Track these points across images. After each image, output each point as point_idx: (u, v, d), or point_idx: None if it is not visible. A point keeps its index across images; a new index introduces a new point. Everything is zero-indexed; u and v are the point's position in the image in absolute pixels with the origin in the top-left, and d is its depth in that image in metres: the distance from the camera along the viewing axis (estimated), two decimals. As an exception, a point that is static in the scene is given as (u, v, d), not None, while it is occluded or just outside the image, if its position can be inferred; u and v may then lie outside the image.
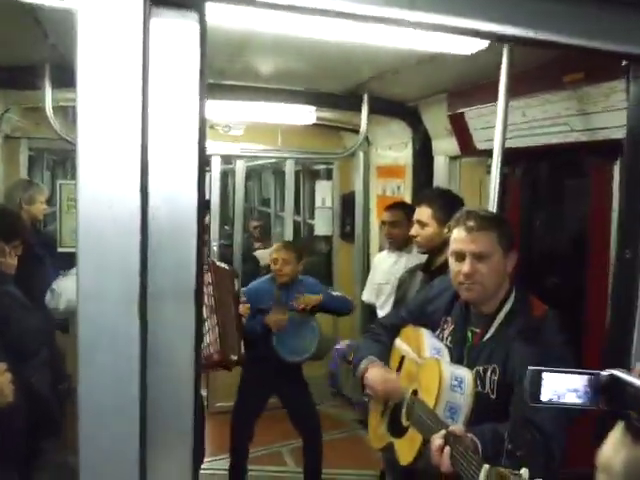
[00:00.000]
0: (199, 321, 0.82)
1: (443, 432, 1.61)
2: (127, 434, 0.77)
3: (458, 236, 1.91)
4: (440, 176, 3.83)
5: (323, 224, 5.66)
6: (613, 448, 0.79)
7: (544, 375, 0.84)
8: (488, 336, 1.89)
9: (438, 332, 2.03)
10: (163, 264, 0.80)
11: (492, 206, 2.55)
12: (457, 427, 1.65)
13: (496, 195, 2.54)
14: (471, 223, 1.89)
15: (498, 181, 2.53)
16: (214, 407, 5.21)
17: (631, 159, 1.29)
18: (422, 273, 2.89)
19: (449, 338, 1.98)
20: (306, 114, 4.13)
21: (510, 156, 2.95)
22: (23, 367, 2.36)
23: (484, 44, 2.24)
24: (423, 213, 2.81)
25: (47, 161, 5.99)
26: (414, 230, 2.86)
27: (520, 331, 1.80)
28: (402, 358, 2.08)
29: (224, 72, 3.28)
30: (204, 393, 5.25)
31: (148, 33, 0.76)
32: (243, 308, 3.50)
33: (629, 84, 1.40)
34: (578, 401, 0.84)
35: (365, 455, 3.49)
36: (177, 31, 0.80)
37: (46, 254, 3.84)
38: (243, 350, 3.35)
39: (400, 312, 2.29)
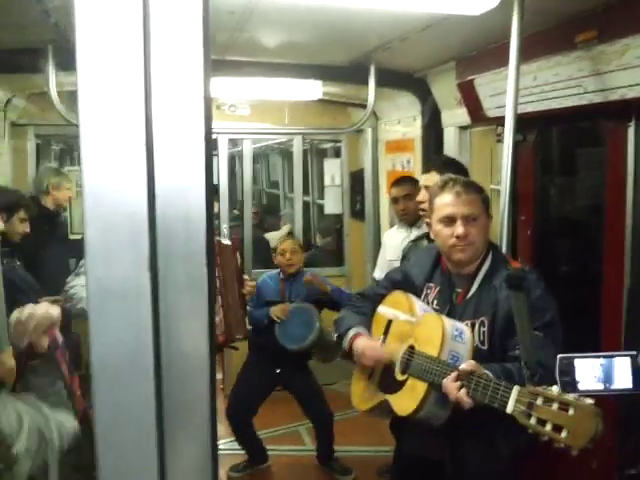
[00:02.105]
0: (212, 289, 0.80)
1: (456, 373, 1.72)
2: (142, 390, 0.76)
3: (447, 201, 2.05)
4: (450, 147, 3.77)
5: (333, 202, 5.61)
6: None
7: (576, 362, 0.78)
8: (471, 294, 2.03)
9: (423, 297, 2.14)
10: (173, 241, 0.78)
11: (505, 174, 2.51)
12: (469, 363, 1.75)
13: (509, 163, 2.50)
14: (458, 188, 2.04)
15: (511, 148, 2.49)
16: (230, 389, 5.23)
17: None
18: (427, 242, 2.87)
19: (435, 301, 2.10)
20: (312, 89, 4.08)
21: (522, 123, 2.90)
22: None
23: (493, 3, 2.18)
24: (433, 179, 2.77)
25: (54, 148, 5.98)
26: (421, 196, 2.82)
27: (506, 280, 1.89)
28: (388, 323, 2.17)
29: (227, 48, 3.24)
30: (219, 376, 5.27)
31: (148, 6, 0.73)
32: (249, 287, 3.40)
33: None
34: (617, 386, 0.75)
35: (381, 432, 3.49)
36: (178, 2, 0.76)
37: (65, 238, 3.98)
38: (249, 326, 3.37)
39: (382, 283, 2.39)
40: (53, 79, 3.39)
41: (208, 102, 0.79)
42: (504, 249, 2.46)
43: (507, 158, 2.50)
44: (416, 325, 2.02)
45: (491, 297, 1.96)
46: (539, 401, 1.35)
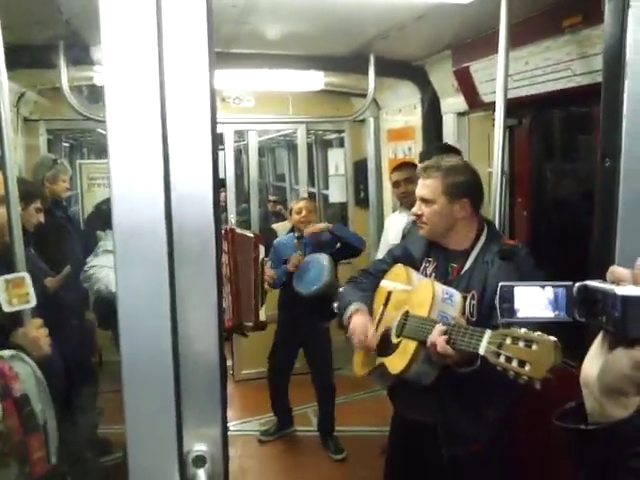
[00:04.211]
0: (219, 276, 0.92)
1: (442, 324, 1.84)
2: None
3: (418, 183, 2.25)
4: (449, 134, 3.88)
5: (337, 191, 5.74)
6: (590, 361, 0.76)
7: (516, 290, 0.84)
8: (465, 268, 2.14)
9: (421, 271, 2.25)
10: (186, 228, 0.90)
11: (497, 157, 2.60)
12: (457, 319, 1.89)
13: (500, 146, 2.59)
14: (423, 172, 2.21)
15: (501, 132, 2.58)
16: (240, 375, 5.36)
17: (609, 72, 1.36)
18: None
19: (432, 275, 2.20)
20: (314, 80, 4.19)
21: (517, 107, 2.99)
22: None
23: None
24: None
25: (65, 142, 6.10)
26: None
27: (497, 252, 2.06)
28: (388, 294, 2.28)
29: (231, 40, 3.35)
30: (229, 362, 5.40)
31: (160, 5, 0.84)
32: (268, 275, 3.70)
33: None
34: (553, 314, 0.82)
35: (385, 414, 3.60)
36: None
37: (71, 227, 4.02)
38: (263, 317, 3.52)
39: (385, 259, 2.49)
40: (65, 74, 3.51)
41: (213, 94, 0.91)
42: (496, 229, 2.56)
43: (499, 141, 2.59)
44: (411, 292, 2.14)
45: (482, 272, 2.07)
46: (508, 341, 1.49)
